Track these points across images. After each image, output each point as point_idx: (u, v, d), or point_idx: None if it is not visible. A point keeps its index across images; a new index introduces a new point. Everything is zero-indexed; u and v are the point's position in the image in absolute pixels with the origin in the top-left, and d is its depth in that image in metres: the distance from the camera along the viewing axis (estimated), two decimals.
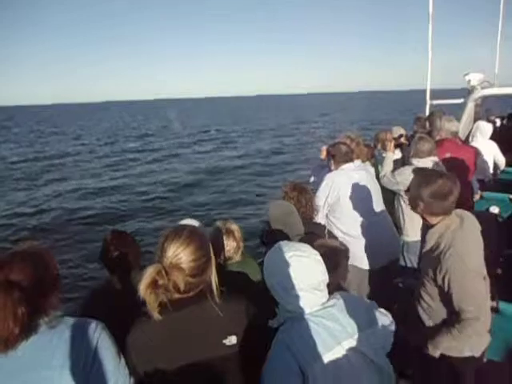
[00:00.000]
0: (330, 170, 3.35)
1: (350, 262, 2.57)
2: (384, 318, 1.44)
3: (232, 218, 9.63)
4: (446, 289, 1.83)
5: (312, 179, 3.96)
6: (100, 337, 1.26)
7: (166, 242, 1.31)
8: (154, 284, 1.25)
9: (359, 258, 3.02)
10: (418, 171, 2.03)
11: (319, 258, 1.42)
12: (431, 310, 2.00)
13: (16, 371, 1.18)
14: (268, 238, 2.47)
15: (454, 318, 1.86)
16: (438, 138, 3.65)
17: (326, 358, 1.25)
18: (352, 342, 1.30)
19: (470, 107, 5.50)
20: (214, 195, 12.66)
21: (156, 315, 1.25)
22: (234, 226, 2.26)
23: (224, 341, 1.31)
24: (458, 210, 1.96)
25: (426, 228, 2.00)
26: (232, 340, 1.31)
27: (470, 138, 4.98)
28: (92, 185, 14.58)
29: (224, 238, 2.17)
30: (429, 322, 2.02)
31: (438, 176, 1.90)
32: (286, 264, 1.36)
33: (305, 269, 1.36)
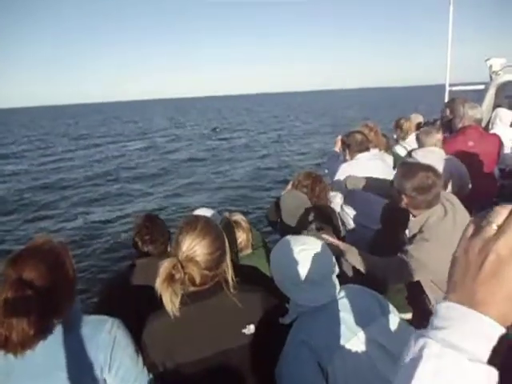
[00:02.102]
0: (344, 160, 3.24)
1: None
2: (398, 315, 1.40)
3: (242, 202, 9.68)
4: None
5: (327, 171, 3.86)
6: (116, 336, 1.24)
7: (180, 235, 1.29)
8: (170, 278, 1.23)
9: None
10: (402, 165, 2.03)
11: (328, 249, 1.40)
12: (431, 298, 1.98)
13: (33, 373, 1.15)
14: (281, 228, 2.44)
15: None
16: (460, 125, 3.49)
17: (344, 350, 1.23)
18: (367, 332, 1.28)
19: (491, 93, 5.28)
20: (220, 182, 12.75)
21: (174, 309, 1.22)
22: (240, 217, 2.21)
23: (243, 330, 1.30)
24: (447, 200, 1.93)
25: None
26: (251, 329, 1.31)
27: (490, 126, 4.78)
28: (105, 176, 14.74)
29: (234, 231, 2.11)
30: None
31: (419, 170, 1.90)
32: (295, 259, 1.34)
33: (314, 262, 1.33)
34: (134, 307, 1.49)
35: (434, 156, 2.96)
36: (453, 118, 3.62)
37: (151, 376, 1.27)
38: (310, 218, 2.31)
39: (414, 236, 1.91)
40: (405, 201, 1.93)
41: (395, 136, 3.98)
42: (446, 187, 2.83)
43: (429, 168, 1.92)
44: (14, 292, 1.09)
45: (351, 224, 3.15)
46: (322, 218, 2.49)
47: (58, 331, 1.18)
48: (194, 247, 1.26)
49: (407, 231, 1.99)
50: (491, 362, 0.46)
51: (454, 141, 3.42)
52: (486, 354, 0.46)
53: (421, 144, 3.20)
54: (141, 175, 14.32)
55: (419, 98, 58.74)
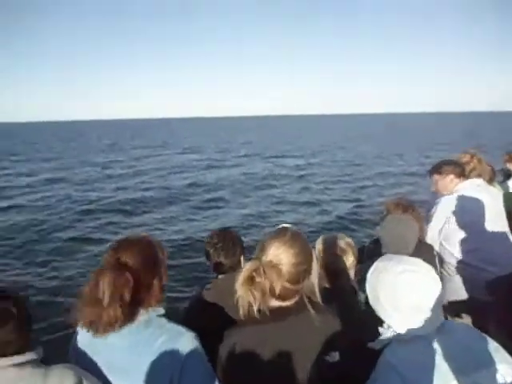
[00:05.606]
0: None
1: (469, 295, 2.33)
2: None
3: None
4: None
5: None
6: (193, 347, 1.21)
7: (267, 241, 1.26)
8: (251, 280, 1.19)
9: (478, 288, 2.48)
10: None
11: (435, 275, 1.27)
12: None
13: (111, 356, 1.19)
14: (373, 251, 2.26)
15: None
16: None
17: None
18: (472, 379, 1.12)
19: None
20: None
21: (248, 313, 1.18)
22: (349, 240, 2.09)
23: (326, 357, 1.22)
24: None
25: None
26: (336, 357, 1.23)
27: None
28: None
29: (343, 254, 2.00)
30: None
31: None
32: (397, 278, 1.24)
33: (419, 286, 1.22)
34: (211, 326, 1.44)
35: None
36: None
37: None
38: (409, 249, 2.04)
39: None
40: None
41: (510, 168, 3.61)
42: None
43: None
44: (111, 272, 1.15)
45: (450, 261, 2.84)
46: (420, 254, 2.07)
47: (140, 324, 1.20)
48: (280, 255, 1.21)
49: None
50: None
51: None
52: None
53: None
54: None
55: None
